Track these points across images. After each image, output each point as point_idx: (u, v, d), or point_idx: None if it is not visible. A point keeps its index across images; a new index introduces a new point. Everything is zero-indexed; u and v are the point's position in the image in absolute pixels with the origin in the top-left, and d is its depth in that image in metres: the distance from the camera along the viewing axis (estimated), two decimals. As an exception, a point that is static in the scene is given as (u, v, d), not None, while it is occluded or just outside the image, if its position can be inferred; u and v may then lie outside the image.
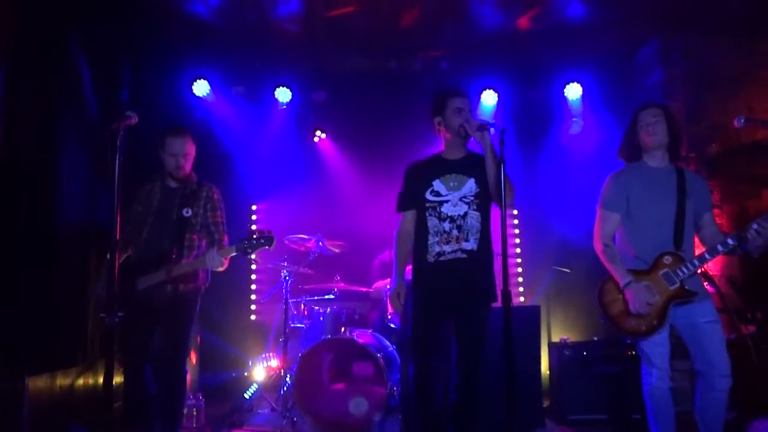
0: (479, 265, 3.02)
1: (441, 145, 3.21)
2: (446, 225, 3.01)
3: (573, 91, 5.73)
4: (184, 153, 3.41)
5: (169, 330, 3.31)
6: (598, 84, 5.73)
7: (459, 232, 3.00)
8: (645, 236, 3.06)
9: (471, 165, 3.08)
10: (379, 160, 5.94)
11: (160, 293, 3.27)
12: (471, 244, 3.00)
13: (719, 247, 2.95)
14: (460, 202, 3.02)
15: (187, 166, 3.45)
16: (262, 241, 3.15)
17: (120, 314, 2.66)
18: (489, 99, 5.81)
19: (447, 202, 3.03)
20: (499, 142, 2.66)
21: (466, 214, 3.01)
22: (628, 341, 3.28)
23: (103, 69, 4.60)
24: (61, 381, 3.86)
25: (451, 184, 3.06)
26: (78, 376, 4.07)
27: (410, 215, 3.14)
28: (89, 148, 4.35)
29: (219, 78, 5.73)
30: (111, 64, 4.81)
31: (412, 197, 3.13)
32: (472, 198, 3.02)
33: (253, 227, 6.21)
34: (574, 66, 5.69)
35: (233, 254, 3.21)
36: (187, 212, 3.36)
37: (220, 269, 3.30)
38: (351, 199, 5.94)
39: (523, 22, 5.09)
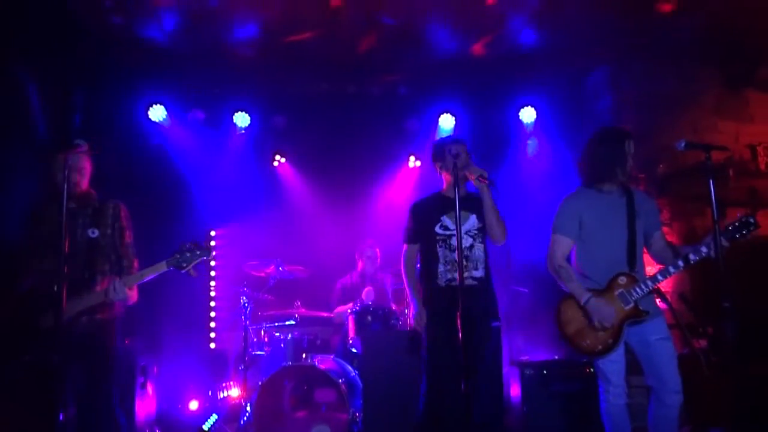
0: (487, 290, 3.42)
1: (443, 184, 3.57)
2: (455, 255, 3.31)
3: (527, 115, 5.88)
4: (79, 168, 3.05)
5: (90, 367, 2.91)
6: (551, 108, 5.90)
7: (467, 261, 3.36)
8: (599, 258, 3.14)
9: (472, 203, 3.44)
10: (338, 183, 5.95)
11: (74, 327, 2.84)
12: (480, 272, 3.38)
13: (671, 269, 3.05)
14: (465, 236, 3.38)
15: (84, 182, 3.09)
16: (198, 252, 2.88)
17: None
18: (446, 122, 5.91)
19: (455, 235, 3.29)
20: (454, 167, 2.81)
21: (472, 246, 3.39)
22: (584, 360, 3.34)
23: (54, 95, 4.51)
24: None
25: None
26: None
27: (416, 247, 3.53)
28: (38, 175, 4.22)
29: (176, 103, 5.67)
30: (63, 89, 4.72)
31: (420, 231, 3.50)
32: (476, 232, 3.41)
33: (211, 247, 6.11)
34: (528, 90, 5.86)
35: (164, 270, 2.90)
36: (93, 233, 3.02)
37: (128, 302, 2.97)
38: (311, 223, 5.92)
39: (478, 48, 5.23)
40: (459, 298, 3.01)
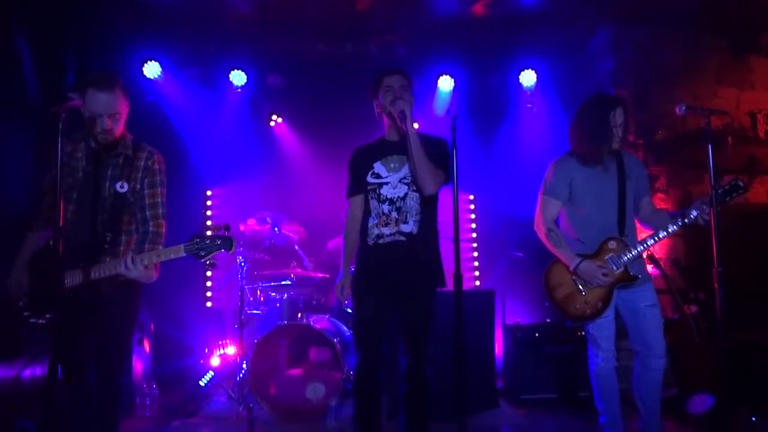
0: (419, 247, 2.90)
1: (384, 127, 3.10)
2: (385, 207, 2.92)
3: (527, 78, 5.81)
4: (113, 113, 2.67)
5: (102, 333, 2.66)
6: (551, 71, 5.83)
7: (398, 214, 2.90)
8: (590, 222, 3.13)
9: None
10: (335, 144, 5.87)
11: (91, 291, 2.58)
12: (410, 227, 2.89)
13: (661, 233, 3.05)
14: (400, 184, 2.92)
15: (118, 128, 2.72)
16: (218, 242, 2.51)
17: (47, 316, 2.32)
18: (445, 84, 5.84)
19: (387, 183, 2.94)
20: (451, 128, 2.67)
21: (406, 195, 2.91)
22: (569, 325, 3.36)
23: (46, 51, 4.41)
24: (8, 375, 3.74)
25: (392, 165, 2.97)
26: (23, 369, 3.94)
27: (358, 200, 3.05)
28: (31, 133, 4.18)
29: (171, 60, 5.58)
30: (55, 45, 4.62)
31: (357, 182, 3.05)
32: (412, 179, 2.90)
33: (208, 227, 6.09)
34: (529, 53, 5.76)
35: (182, 255, 2.53)
36: (122, 187, 2.67)
37: (146, 281, 2.61)
38: (307, 184, 5.90)
39: (478, 8, 5.12)
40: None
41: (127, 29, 5.24)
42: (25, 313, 2.52)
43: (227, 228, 2.53)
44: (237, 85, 5.78)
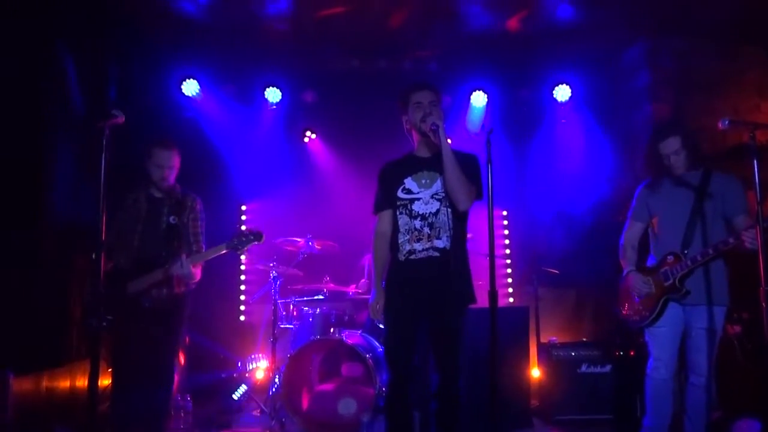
0: (453, 263, 2.87)
1: (413, 143, 3.12)
2: (417, 223, 2.92)
3: (561, 93, 5.75)
4: (170, 165, 3.53)
5: (159, 333, 3.37)
6: (586, 86, 5.76)
7: (431, 229, 2.89)
8: (658, 238, 3.35)
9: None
10: (368, 160, 5.87)
11: (154, 295, 3.36)
12: (443, 242, 2.88)
13: (710, 251, 3.08)
14: (431, 200, 2.92)
15: (171, 177, 3.57)
16: (251, 237, 3.35)
17: (109, 318, 2.62)
18: (478, 100, 5.82)
19: (419, 199, 2.94)
20: (486, 143, 2.69)
21: (438, 211, 2.90)
22: (634, 328, 3.44)
23: (90, 68, 4.58)
24: (47, 382, 3.83)
25: (423, 181, 2.97)
26: (63, 377, 4.04)
27: (386, 216, 3.05)
28: (76, 148, 4.32)
29: (208, 77, 5.71)
30: (98, 63, 4.78)
31: (387, 197, 3.05)
32: (444, 195, 2.90)
33: (243, 227, 6.18)
34: (563, 67, 5.71)
35: (223, 252, 3.36)
36: (173, 220, 3.50)
37: (191, 280, 3.43)
38: (341, 199, 5.92)
39: (513, 23, 5.11)
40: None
41: (166, 46, 5.40)
42: (89, 319, 2.72)
43: (258, 230, 3.36)
44: (272, 102, 5.87)
